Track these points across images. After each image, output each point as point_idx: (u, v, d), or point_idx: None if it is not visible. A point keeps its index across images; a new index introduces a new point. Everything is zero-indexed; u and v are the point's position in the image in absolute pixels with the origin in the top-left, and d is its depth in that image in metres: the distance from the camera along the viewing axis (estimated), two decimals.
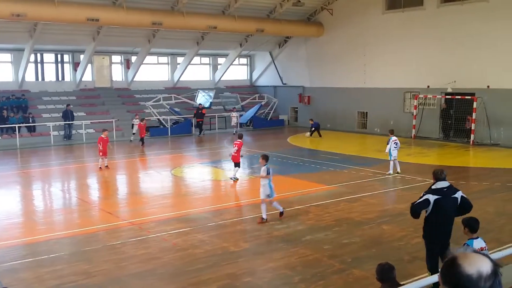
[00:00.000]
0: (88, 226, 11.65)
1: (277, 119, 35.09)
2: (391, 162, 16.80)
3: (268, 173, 11.65)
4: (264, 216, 11.59)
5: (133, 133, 26.76)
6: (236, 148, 16.49)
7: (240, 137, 17.14)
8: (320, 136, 28.21)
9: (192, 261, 9.17)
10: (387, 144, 16.80)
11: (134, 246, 10.04)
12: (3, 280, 8.29)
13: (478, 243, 6.63)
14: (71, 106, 28.00)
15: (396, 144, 16.67)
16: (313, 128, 28.45)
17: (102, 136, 18.83)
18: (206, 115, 30.34)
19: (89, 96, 30.88)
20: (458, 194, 7.38)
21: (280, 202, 13.48)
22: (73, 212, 13.39)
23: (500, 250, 7.02)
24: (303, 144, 25.67)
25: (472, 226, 6.72)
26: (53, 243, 10.34)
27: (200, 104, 30.13)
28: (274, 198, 11.76)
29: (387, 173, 16.92)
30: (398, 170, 16.82)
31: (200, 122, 29.61)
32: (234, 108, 31.89)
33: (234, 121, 30.74)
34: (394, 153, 16.63)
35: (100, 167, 18.75)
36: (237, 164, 16.48)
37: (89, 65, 30.59)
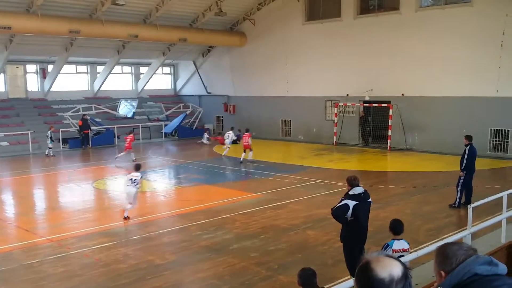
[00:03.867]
0: (3, 244, 10.95)
1: (202, 128, 34.92)
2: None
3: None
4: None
5: (50, 147, 25.20)
6: (248, 139, 21.91)
7: (247, 130, 22.74)
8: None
9: (115, 276, 8.87)
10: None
11: (53, 264, 9.55)
12: None
13: (400, 244, 6.93)
14: None
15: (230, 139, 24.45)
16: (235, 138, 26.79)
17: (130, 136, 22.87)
18: (129, 125, 29.52)
19: (2, 107, 29.14)
20: (370, 198, 7.85)
21: (206, 211, 13.45)
22: None
23: (416, 251, 7.37)
24: (228, 153, 25.68)
25: (395, 228, 7.03)
26: None
27: (84, 114, 28.50)
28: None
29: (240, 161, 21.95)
30: None
31: (86, 134, 28.21)
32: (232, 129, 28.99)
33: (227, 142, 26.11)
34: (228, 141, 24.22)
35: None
36: (250, 150, 21.95)
37: (2, 74, 29.01)
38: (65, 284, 8.56)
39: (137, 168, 13.40)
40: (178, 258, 9.91)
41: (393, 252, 6.88)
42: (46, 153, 24.99)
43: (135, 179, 12.87)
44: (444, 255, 2.52)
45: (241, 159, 22.05)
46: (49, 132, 25.28)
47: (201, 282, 8.69)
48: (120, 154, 23.11)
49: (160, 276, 8.88)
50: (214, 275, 8.87)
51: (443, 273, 2.49)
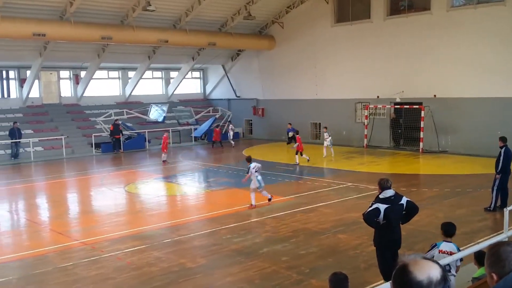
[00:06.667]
0: (38, 248, 11.20)
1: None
2: None
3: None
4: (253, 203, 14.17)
5: None
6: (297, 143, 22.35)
7: (297, 132, 23.74)
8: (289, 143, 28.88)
9: (148, 279, 8.96)
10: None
11: (86, 267, 9.71)
12: None
13: (448, 247, 6.87)
14: (18, 123, 27.07)
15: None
16: (291, 134, 28.78)
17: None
18: (160, 129, 29.86)
19: (36, 113, 29.96)
20: (404, 200, 7.63)
21: (236, 215, 13.51)
22: (22, 233, 12.88)
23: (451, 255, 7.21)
24: (258, 156, 25.65)
25: (446, 230, 7.03)
26: (0, 267, 9.88)
27: (116, 119, 28.65)
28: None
29: None
30: None
31: (117, 139, 28.42)
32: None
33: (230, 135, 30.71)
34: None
35: (164, 161, 23.63)
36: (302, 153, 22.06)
37: (36, 81, 29.72)
38: (98, 286, 8.69)
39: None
40: (209, 261, 9.94)
41: (439, 253, 6.81)
42: None
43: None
44: (496, 256, 2.44)
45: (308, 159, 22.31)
46: None
47: (231, 285, 8.69)
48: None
49: (191, 279, 8.92)
50: (245, 279, 8.86)
51: (494, 276, 2.42)
